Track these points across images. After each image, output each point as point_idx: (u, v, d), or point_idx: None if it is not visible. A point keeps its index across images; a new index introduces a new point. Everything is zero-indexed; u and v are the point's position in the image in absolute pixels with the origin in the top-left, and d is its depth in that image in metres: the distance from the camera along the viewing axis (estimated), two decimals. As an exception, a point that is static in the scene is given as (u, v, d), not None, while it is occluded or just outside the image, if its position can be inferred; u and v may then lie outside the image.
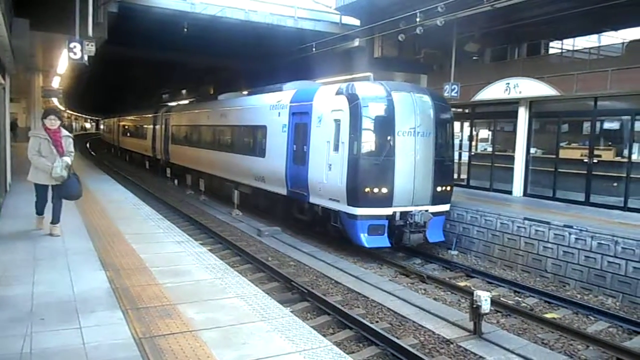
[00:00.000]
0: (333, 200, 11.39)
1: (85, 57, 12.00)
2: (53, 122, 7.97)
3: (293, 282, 9.11)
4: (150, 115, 29.57)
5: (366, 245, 10.85)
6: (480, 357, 6.57)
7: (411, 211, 10.98)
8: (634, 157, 12.57)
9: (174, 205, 17.40)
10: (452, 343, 6.95)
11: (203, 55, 23.17)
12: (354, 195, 10.84)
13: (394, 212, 10.90)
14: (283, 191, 13.49)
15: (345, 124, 11.10)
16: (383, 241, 10.92)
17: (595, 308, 8.60)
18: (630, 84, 12.02)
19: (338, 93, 11.65)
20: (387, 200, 10.82)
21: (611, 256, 9.34)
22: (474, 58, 17.97)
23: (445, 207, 11.82)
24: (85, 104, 67.33)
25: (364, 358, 6.45)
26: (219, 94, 20.71)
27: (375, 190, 10.71)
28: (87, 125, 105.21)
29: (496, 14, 12.88)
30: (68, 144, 8.20)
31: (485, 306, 6.85)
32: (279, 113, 13.79)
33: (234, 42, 19.38)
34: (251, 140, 15.89)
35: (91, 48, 12.20)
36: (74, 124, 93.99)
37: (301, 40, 18.05)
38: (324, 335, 5.68)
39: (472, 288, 9.08)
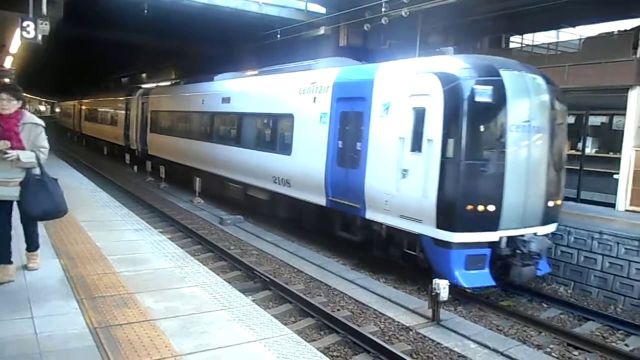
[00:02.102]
0: (409, 219, 8.50)
1: (40, 37, 11.49)
2: (5, 104, 5.32)
3: (255, 270, 9.06)
4: (122, 98, 26.10)
5: (464, 284, 7.97)
6: (438, 343, 6.71)
7: (522, 236, 8.12)
8: (587, 150, 13.04)
9: (133, 192, 17.00)
10: (411, 330, 7.08)
11: (165, 39, 22.54)
12: (449, 215, 7.94)
13: (500, 238, 8.04)
14: (320, 200, 10.53)
15: (434, 114, 8.09)
16: (485, 278, 8.05)
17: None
18: (585, 80, 12.43)
19: (422, 71, 8.72)
20: (492, 222, 7.93)
21: None
22: (437, 50, 18.18)
23: (552, 228, 8.90)
24: (40, 86, 64.77)
25: (324, 346, 6.49)
26: (212, 75, 17.19)
27: (480, 207, 7.79)
28: (42, 108, 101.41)
29: (459, 7, 13.05)
30: (35, 136, 5.63)
31: (444, 294, 6.99)
32: (315, 98, 10.77)
33: (197, 26, 18.90)
34: (269, 132, 12.87)
35: (45, 27, 11.66)
36: (28, 106, 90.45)
37: (266, 27, 17.81)
38: (285, 324, 5.68)
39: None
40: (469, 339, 6.85)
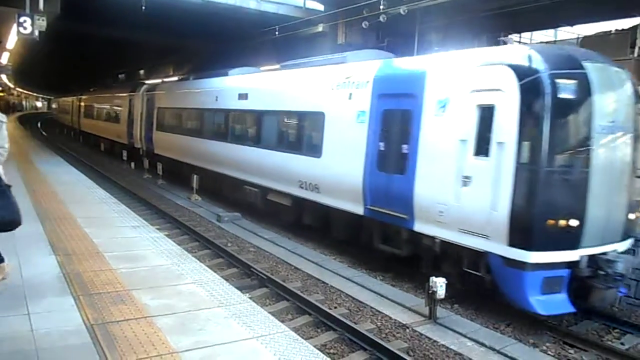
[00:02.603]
0: (472, 234, 7.34)
1: (36, 32, 11.49)
2: None
3: (252, 268, 9.06)
4: (124, 95, 24.76)
5: (541, 312, 6.95)
6: (435, 341, 6.72)
7: (604, 254, 7.03)
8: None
9: (130, 188, 16.96)
10: (408, 328, 7.09)
11: (162, 35, 22.54)
12: (526, 231, 6.87)
13: (581, 257, 6.94)
14: (355, 208, 9.45)
15: (507, 113, 7.01)
16: (563, 304, 6.98)
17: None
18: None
19: (488, 62, 7.59)
20: (573, 238, 6.89)
21: None
22: (436, 49, 18.19)
23: (629, 244, 7.75)
24: (37, 82, 64.64)
25: (321, 343, 6.49)
26: (227, 69, 15.99)
27: (562, 222, 6.76)
28: (39, 104, 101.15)
29: (457, 5, 13.06)
30: None
31: (441, 292, 7.00)
32: (350, 95, 9.68)
33: (195, 23, 18.90)
34: (295, 132, 11.83)
35: (42, 23, 11.65)
36: (24, 102, 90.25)
37: (264, 24, 17.80)
38: (282, 321, 5.68)
39: None
40: (465, 336, 6.87)
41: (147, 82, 26.97)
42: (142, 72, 38.85)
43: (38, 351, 3.96)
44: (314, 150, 10.61)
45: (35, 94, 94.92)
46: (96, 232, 7.66)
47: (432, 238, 8.01)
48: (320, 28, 17.61)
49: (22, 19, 11.18)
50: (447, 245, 7.81)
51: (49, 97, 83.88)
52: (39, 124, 51.87)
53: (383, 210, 8.86)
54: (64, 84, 51.32)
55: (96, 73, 43.99)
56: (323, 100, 10.46)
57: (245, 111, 13.81)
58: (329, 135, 10.23)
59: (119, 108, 25.37)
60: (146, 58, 33.00)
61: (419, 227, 8.22)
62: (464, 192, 7.38)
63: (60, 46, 27.98)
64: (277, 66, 14.04)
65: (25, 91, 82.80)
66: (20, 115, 62.91)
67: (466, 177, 7.36)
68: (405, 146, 8.52)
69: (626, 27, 13.90)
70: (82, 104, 35.08)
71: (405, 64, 9.50)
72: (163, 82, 26.17)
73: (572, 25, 15.10)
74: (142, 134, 21.59)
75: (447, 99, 7.82)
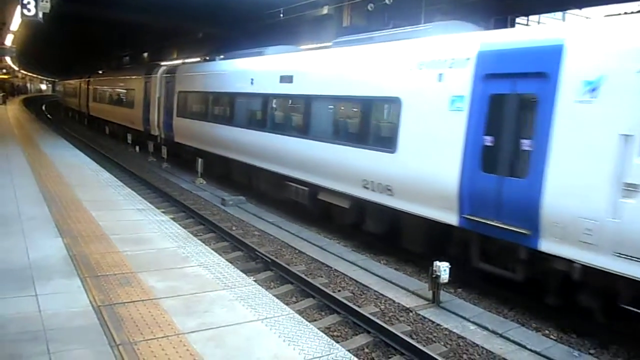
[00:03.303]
0: (637, 260, 5.61)
1: (40, 14, 11.45)
2: None
3: (257, 251, 9.11)
4: (139, 77, 23.03)
5: None
6: (438, 324, 6.77)
7: None
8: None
9: (135, 172, 17.02)
10: (411, 311, 7.14)
11: (166, 18, 22.38)
12: None
13: None
14: (446, 217, 7.70)
15: None
16: None
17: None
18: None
19: None
20: None
21: None
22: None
23: None
24: (42, 65, 64.51)
25: (325, 325, 6.55)
26: (255, 48, 14.55)
27: None
28: (43, 86, 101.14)
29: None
30: None
31: (444, 276, 7.03)
32: (440, 76, 7.80)
33: (198, 5, 18.75)
34: (358, 121, 9.85)
35: (46, 4, 11.61)
36: (29, 85, 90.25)
37: (269, 6, 17.63)
38: (287, 304, 5.73)
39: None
40: (468, 320, 6.91)
41: (164, 63, 25.12)
42: (145, 55, 38.71)
43: (46, 332, 4.02)
44: (386, 143, 8.83)
45: (39, 77, 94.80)
46: (102, 214, 7.71)
47: (569, 262, 6.26)
48: (325, 10, 17.44)
49: (26, 1, 11.14)
50: (592, 272, 6.04)
51: (53, 79, 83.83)
52: (43, 107, 51.92)
53: (489, 222, 7.07)
54: (68, 67, 51.21)
55: (100, 55, 43.86)
56: (399, 82, 8.63)
57: (290, 96, 11.94)
58: (408, 125, 8.36)
59: (133, 92, 23.68)
60: (150, 41, 32.83)
61: (547, 246, 6.43)
62: (626, 204, 5.65)
63: (64, 28, 27.86)
64: (330, 43, 11.92)
65: (29, 74, 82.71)
66: (25, 97, 62.98)
67: (631, 186, 5.61)
68: (526, 141, 6.72)
69: (635, 9, 13.68)
70: (91, 87, 33.36)
71: (526, 34, 7.51)
72: (184, 63, 24.00)
73: (580, 7, 14.90)
74: (161, 121, 19.88)
75: (601, 79, 5.94)
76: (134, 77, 24.29)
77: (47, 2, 11.48)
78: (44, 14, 11.59)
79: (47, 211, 7.65)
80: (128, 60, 41.64)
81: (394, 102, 8.72)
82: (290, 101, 12.23)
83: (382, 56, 9.35)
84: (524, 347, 6.23)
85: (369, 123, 9.58)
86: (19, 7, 11.84)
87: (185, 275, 5.46)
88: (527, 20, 17.68)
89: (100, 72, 35.20)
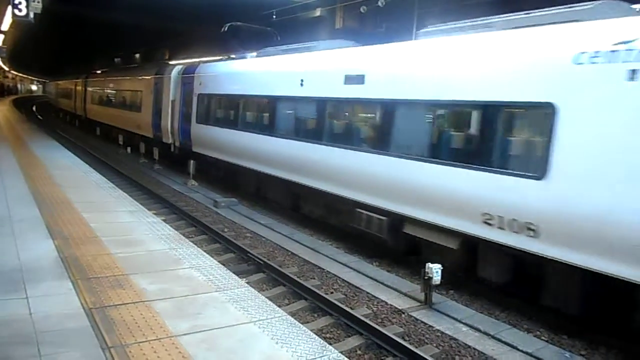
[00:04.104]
0: None
1: (32, 15, 11.38)
2: None
3: (249, 253, 9.09)
4: (148, 77, 20.60)
5: None
6: (430, 326, 6.79)
7: None
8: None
9: (127, 173, 16.92)
10: (403, 313, 7.15)
11: (157, 19, 22.31)
12: None
13: None
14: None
15: None
16: None
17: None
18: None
19: None
20: None
21: None
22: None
23: None
24: (32, 65, 64.08)
25: (318, 327, 6.55)
26: (308, 42, 12.24)
27: None
28: (34, 87, 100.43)
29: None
30: None
31: (436, 278, 7.05)
32: (634, 73, 5.60)
33: (191, 7, 18.73)
34: (474, 134, 7.48)
35: (37, 5, 11.53)
36: (19, 85, 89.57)
37: (263, 7, 17.64)
38: (279, 306, 5.73)
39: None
40: (460, 322, 6.94)
41: (175, 62, 22.74)
42: (137, 55, 38.56)
43: (37, 334, 3.99)
44: (527, 165, 6.66)
45: (30, 77, 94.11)
46: (93, 216, 7.67)
47: None
48: (318, 12, 17.48)
49: (17, 1, 11.06)
50: None
51: (44, 80, 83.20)
52: (33, 108, 51.55)
53: None
54: (59, 67, 50.87)
55: (92, 56, 43.62)
56: (551, 82, 6.43)
57: (360, 101, 9.53)
58: (571, 142, 6.12)
59: (140, 94, 21.35)
60: (142, 42, 32.72)
61: None
62: None
63: (56, 29, 27.74)
64: (424, 29, 9.28)
65: (20, 74, 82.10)
66: (15, 98, 62.49)
67: None
68: None
69: None
70: (89, 88, 30.61)
71: None
72: (208, 61, 20.15)
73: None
74: (176, 127, 17.60)
75: None
76: (140, 77, 21.87)
77: (38, 2, 11.42)
78: (35, 14, 11.51)
79: (38, 213, 7.59)
80: (120, 61, 41.43)
81: (542, 110, 6.42)
82: (360, 107, 9.83)
83: (513, 48, 7.06)
84: (516, 348, 6.26)
85: (494, 137, 7.12)
86: (9, 7, 11.75)
87: (177, 278, 5.44)
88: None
89: (98, 71, 33.27)
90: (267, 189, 12.88)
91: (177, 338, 4.08)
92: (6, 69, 64.26)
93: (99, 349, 3.84)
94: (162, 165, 18.80)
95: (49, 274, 5.23)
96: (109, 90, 26.89)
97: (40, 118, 40.84)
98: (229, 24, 16.29)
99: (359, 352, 6.12)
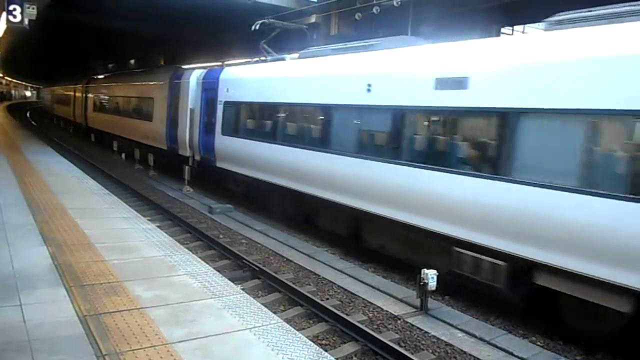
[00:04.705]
0: None
1: (26, 21, 11.36)
2: None
3: (244, 259, 9.07)
4: (161, 83, 18.67)
5: None
6: (426, 332, 6.79)
7: None
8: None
9: (121, 179, 16.86)
10: (399, 319, 7.15)
11: (153, 25, 22.35)
12: None
13: None
14: None
15: None
16: None
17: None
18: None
19: None
20: None
21: None
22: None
23: None
24: (27, 71, 63.97)
25: (313, 334, 6.53)
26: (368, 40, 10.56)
27: None
28: (28, 93, 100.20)
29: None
30: None
31: (432, 283, 7.05)
32: None
33: (186, 13, 18.77)
34: None
35: (32, 11, 11.51)
36: (13, 91, 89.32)
37: (257, 14, 17.69)
38: (275, 313, 5.71)
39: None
40: (456, 328, 6.94)
41: (192, 66, 21.08)
42: (132, 62, 38.53)
43: (31, 342, 3.96)
44: None
45: (24, 83, 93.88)
46: (87, 223, 7.63)
47: None
48: (313, 19, 17.55)
49: (11, 7, 11.04)
50: None
51: (38, 86, 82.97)
52: (27, 114, 51.37)
53: None
54: (53, 73, 50.74)
55: (86, 63, 43.57)
56: None
57: (464, 111, 7.49)
58: None
59: (151, 101, 19.48)
60: (137, 48, 32.72)
61: None
62: None
63: (51, 35, 27.71)
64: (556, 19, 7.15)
65: (14, 80, 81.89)
66: (9, 104, 62.25)
67: None
68: None
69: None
70: (90, 94, 28.45)
71: None
72: (226, 65, 18.37)
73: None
74: (196, 139, 15.59)
75: None
76: (152, 82, 19.85)
77: (33, 8, 11.40)
78: (29, 20, 11.49)
79: (32, 219, 7.55)
80: (114, 66, 41.37)
81: None
82: (461, 118, 7.76)
83: None
84: (511, 354, 6.27)
85: None
86: (4, 13, 11.74)
87: (172, 284, 5.41)
88: (512, 30, 17.96)
89: (100, 76, 31.62)
90: (317, 214, 10.86)
91: (172, 345, 4.06)
92: (0, 75, 64.11)
93: (94, 356, 3.81)
94: (156, 172, 18.74)
95: (43, 281, 5.20)
96: (113, 97, 24.99)
97: (34, 124, 40.68)
98: (260, 22, 14.53)
99: (354, 358, 6.11)
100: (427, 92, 7.94)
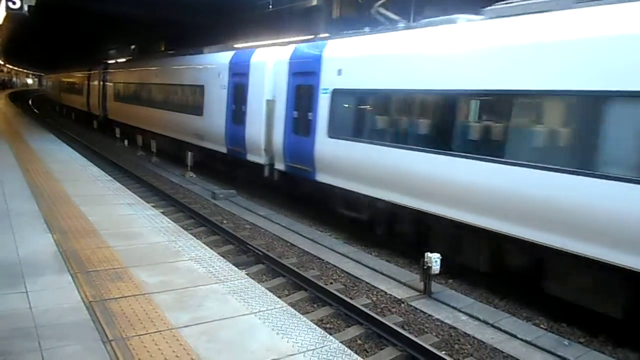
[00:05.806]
0: None
1: (26, 7, 11.26)
2: None
3: (248, 244, 9.10)
4: (213, 67, 14.96)
5: None
6: (429, 315, 6.82)
7: None
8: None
9: (124, 166, 16.88)
10: (403, 302, 7.17)
11: (153, 9, 22.11)
12: None
13: None
14: None
15: None
16: None
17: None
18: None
19: None
20: None
21: None
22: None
23: None
24: (28, 59, 63.71)
25: (318, 318, 6.57)
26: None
27: None
28: (29, 81, 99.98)
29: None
30: None
31: (435, 267, 7.07)
32: None
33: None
34: None
35: (31, -3, 11.41)
36: (15, 79, 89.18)
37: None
38: (279, 297, 5.74)
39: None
40: (460, 311, 6.96)
41: (239, 45, 16.29)
42: (133, 47, 38.22)
43: (37, 328, 3.99)
44: None
45: (25, 71, 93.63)
46: (91, 210, 7.65)
47: None
48: (315, 2, 17.35)
49: (10, -7, 10.94)
50: None
51: (39, 73, 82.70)
52: (30, 101, 51.33)
53: None
54: (55, 60, 50.46)
55: (88, 49, 43.28)
56: None
57: None
58: None
59: (200, 89, 15.54)
60: (137, 33, 32.42)
61: None
62: None
63: (51, 21, 27.42)
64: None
65: (15, 68, 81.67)
66: (11, 92, 62.21)
67: None
68: None
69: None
70: (110, 81, 24.91)
71: None
72: (329, 38, 11.43)
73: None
74: (278, 141, 11.57)
75: None
76: (201, 65, 16.00)
77: (32, -6, 11.32)
78: (29, 6, 11.40)
79: (36, 207, 7.57)
80: (115, 52, 41.08)
81: None
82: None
83: None
84: (515, 336, 6.29)
85: None
86: (3, 1, 11.64)
87: (176, 270, 5.44)
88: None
89: (121, 60, 27.82)
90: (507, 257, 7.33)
91: (178, 330, 4.09)
92: (1, 62, 63.96)
93: (100, 342, 3.84)
94: (159, 158, 18.75)
95: (48, 268, 5.23)
96: (142, 85, 21.06)
97: (37, 112, 40.67)
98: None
99: (359, 341, 6.14)
100: (617, 71, 5.43)
